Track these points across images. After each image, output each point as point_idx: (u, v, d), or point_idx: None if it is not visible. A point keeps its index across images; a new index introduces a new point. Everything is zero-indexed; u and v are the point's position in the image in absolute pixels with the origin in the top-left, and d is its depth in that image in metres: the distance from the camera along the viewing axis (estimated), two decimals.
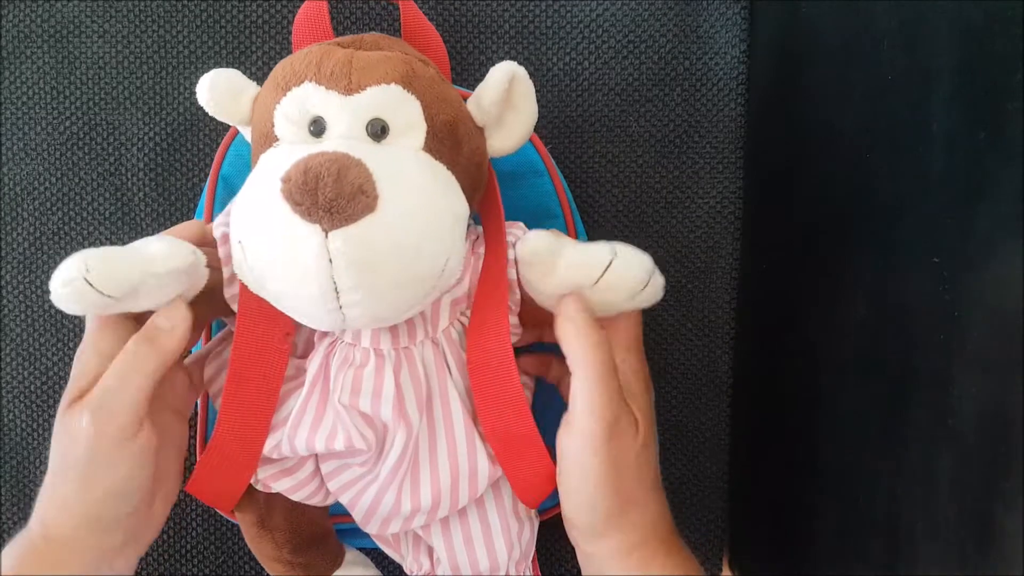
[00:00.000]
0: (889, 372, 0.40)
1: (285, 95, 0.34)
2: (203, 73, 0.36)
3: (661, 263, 0.50)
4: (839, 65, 0.45)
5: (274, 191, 0.30)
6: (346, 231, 0.29)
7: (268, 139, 0.34)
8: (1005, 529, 0.31)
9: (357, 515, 0.40)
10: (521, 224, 0.40)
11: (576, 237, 0.46)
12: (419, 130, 0.33)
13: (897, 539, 0.38)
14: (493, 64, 0.49)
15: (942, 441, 0.35)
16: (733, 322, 0.50)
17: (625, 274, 0.35)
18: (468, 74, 0.49)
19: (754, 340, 0.54)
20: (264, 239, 0.31)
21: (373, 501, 0.39)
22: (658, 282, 0.36)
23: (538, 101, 0.36)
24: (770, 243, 0.54)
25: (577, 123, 0.49)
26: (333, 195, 0.29)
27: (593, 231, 0.49)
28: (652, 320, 0.50)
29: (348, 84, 0.33)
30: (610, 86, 0.49)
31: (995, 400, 0.32)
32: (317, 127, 0.33)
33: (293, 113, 0.33)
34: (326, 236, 0.29)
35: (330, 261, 0.30)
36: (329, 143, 0.32)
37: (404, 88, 0.33)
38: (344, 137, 0.33)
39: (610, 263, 0.35)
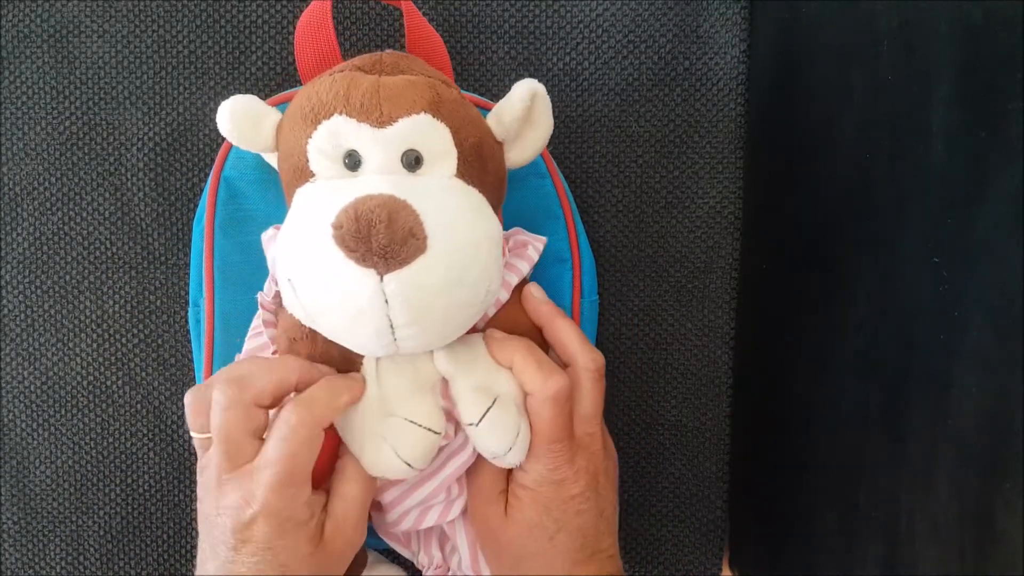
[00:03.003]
0: (889, 372, 0.40)
1: (316, 128, 0.34)
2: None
3: (661, 263, 0.50)
4: (839, 65, 0.45)
5: (325, 236, 0.31)
6: (399, 274, 0.30)
7: (303, 174, 0.35)
8: (1005, 529, 0.31)
9: (373, 511, 0.41)
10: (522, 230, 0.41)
11: (577, 238, 0.46)
12: (451, 157, 0.34)
13: (897, 539, 0.38)
14: (493, 64, 0.49)
15: (942, 441, 0.35)
16: (733, 322, 0.50)
17: (491, 431, 0.36)
18: (468, 74, 0.49)
19: (754, 340, 0.54)
20: (317, 282, 0.32)
21: (400, 495, 0.40)
22: (517, 455, 0.37)
23: None
24: (770, 243, 0.53)
25: (577, 123, 0.49)
26: (387, 241, 0.30)
27: (593, 231, 0.49)
28: (652, 320, 0.50)
29: (380, 116, 0.33)
30: (610, 86, 0.49)
31: (995, 400, 0.32)
32: (352, 160, 0.34)
33: (327, 148, 0.34)
34: (381, 279, 0.30)
35: (386, 302, 0.31)
36: (367, 178, 0.33)
37: (433, 116, 0.34)
38: (380, 171, 0.33)
39: (486, 411, 0.36)
